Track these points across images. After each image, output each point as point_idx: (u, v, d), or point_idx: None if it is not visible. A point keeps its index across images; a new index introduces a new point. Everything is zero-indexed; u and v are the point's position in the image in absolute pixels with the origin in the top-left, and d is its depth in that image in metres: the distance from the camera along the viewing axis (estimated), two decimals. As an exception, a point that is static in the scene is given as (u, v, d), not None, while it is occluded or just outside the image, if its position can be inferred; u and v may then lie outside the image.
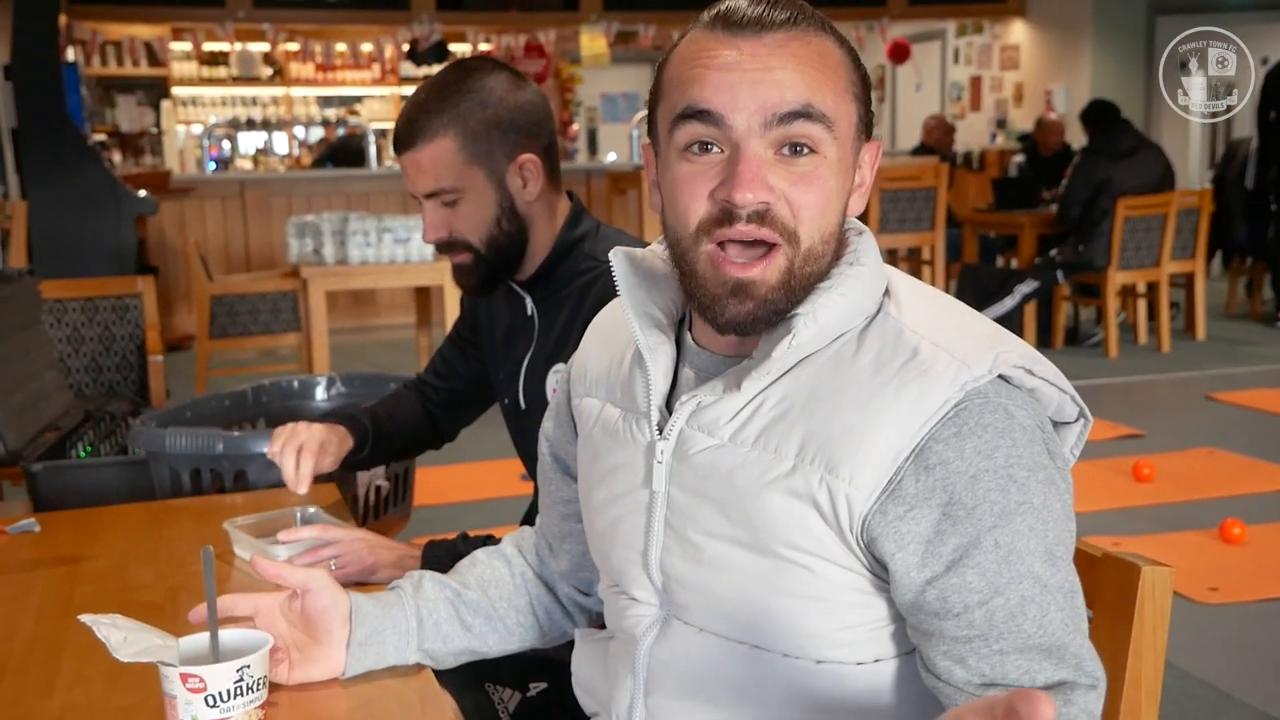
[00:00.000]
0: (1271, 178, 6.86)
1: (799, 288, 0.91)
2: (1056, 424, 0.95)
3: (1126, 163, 6.03)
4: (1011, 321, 6.10)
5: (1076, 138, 7.48)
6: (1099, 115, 6.29)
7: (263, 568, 1.09)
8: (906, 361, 0.89)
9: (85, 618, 0.96)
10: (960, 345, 0.89)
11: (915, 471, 0.87)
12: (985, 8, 9.45)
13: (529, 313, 1.63)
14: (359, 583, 1.37)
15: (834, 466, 0.88)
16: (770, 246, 0.90)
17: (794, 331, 0.90)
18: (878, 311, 0.94)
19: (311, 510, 1.52)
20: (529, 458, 1.73)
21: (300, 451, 1.56)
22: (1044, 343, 6.25)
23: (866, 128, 0.95)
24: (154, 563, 1.41)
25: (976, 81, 10.06)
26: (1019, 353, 0.90)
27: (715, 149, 0.90)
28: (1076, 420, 0.95)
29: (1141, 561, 0.98)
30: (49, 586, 1.33)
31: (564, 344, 1.57)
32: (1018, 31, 9.52)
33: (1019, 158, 8.02)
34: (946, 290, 7.57)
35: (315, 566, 1.35)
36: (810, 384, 0.92)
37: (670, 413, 0.98)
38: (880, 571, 0.91)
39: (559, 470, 1.20)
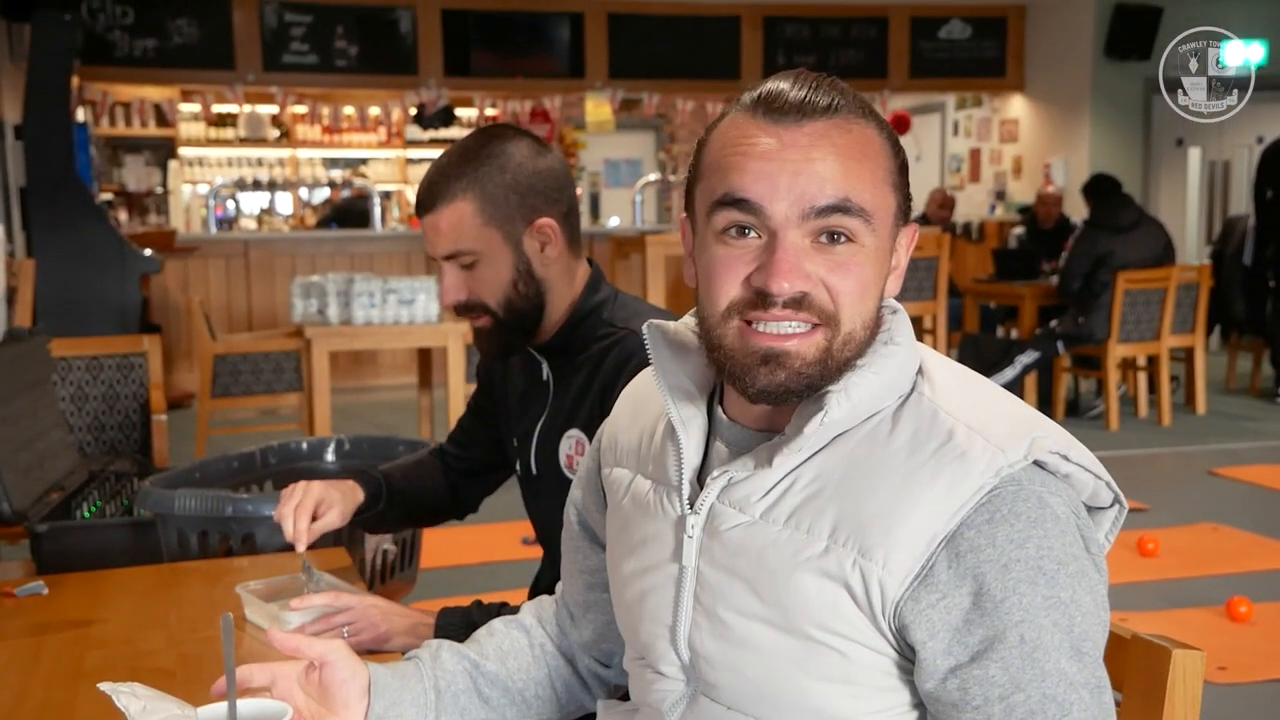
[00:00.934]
0: (1269, 255, 6.92)
1: (835, 367, 0.92)
2: (1091, 509, 0.94)
3: (1127, 236, 6.07)
4: (1012, 391, 6.08)
5: (1075, 211, 7.54)
6: (1100, 189, 6.35)
7: (279, 641, 1.07)
8: (942, 445, 0.89)
9: (104, 686, 0.95)
10: (995, 429, 0.89)
11: (948, 558, 0.87)
12: (985, 82, 9.58)
13: (544, 378, 1.63)
14: (371, 650, 1.36)
15: (867, 550, 0.88)
16: (812, 325, 0.91)
17: (826, 409, 0.90)
18: (911, 390, 0.94)
19: (322, 575, 1.51)
20: (539, 523, 1.72)
21: (298, 509, 1.54)
22: (1044, 414, 6.23)
23: (904, 213, 0.95)
24: (164, 627, 1.40)
25: (976, 154, 10.18)
26: (1054, 438, 0.90)
27: (753, 234, 0.91)
28: (1111, 506, 0.95)
29: (1171, 645, 0.97)
30: (58, 651, 1.32)
31: (577, 409, 1.57)
32: (1017, 106, 9.65)
33: (1019, 229, 8.09)
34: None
35: (328, 634, 1.34)
36: (844, 464, 0.91)
37: (701, 487, 0.98)
38: (909, 655, 0.90)
39: (586, 539, 1.19)
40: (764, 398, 0.93)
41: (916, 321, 6.89)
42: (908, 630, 0.88)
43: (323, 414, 4.95)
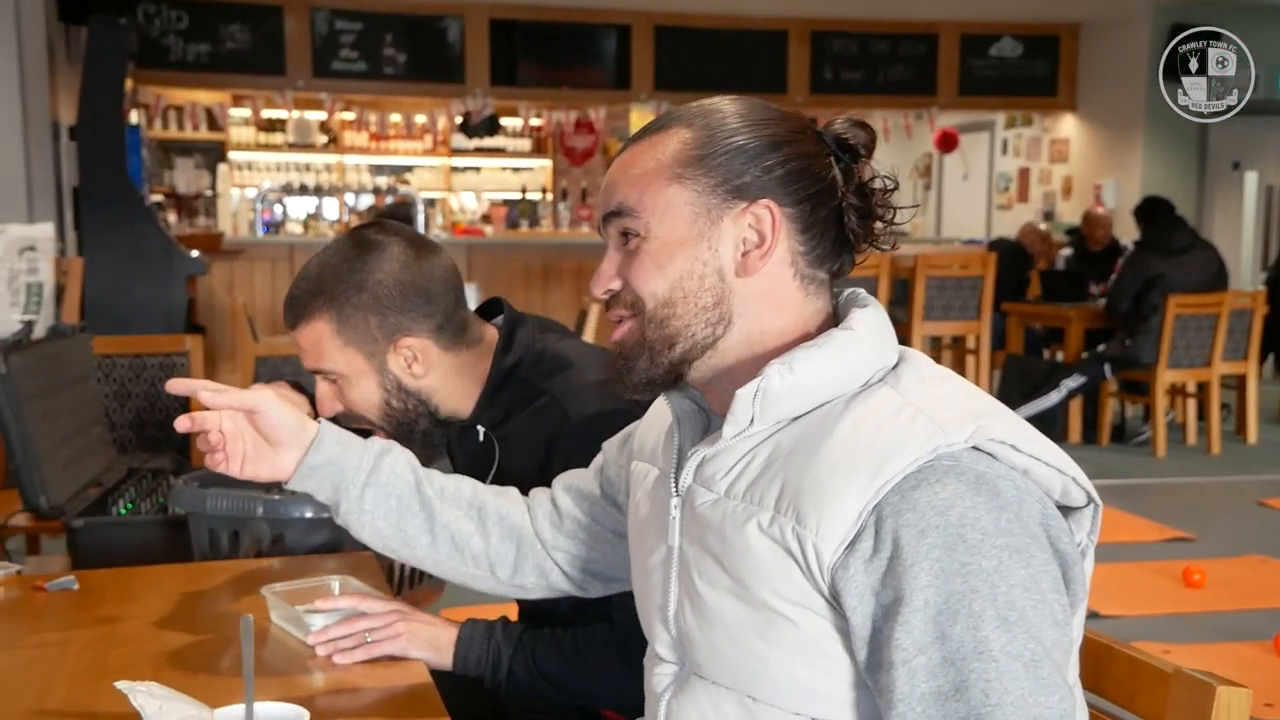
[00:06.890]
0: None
1: (659, 346, 1.01)
2: (1067, 510, 0.93)
3: (1179, 260, 5.97)
4: (1056, 417, 6.00)
5: (1125, 233, 7.43)
6: (1153, 211, 6.25)
7: (208, 399, 1.18)
8: (886, 421, 0.91)
9: (121, 685, 0.95)
10: (942, 413, 0.91)
11: (874, 524, 0.88)
12: (1035, 100, 9.48)
13: (480, 437, 1.55)
14: (392, 657, 1.34)
15: (803, 516, 0.91)
16: (628, 315, 1.03)
17: (765, 375, 0.95)
18: (880, 382, 0.96)
19: (349, 580, 1.50)
20: None
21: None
22: (1089, 440, 6.14)
23: (728, 193, 0.99)
24: (190, 627, 1.39)
25: (1025, 173, 10.08)
26: (1005, 429, 0.90)
27: None
28: (1087, 505, 0.93)
29: (1216, 681, 0.94)
30: (84, 648, 1.32)
31: (523, 484, 1.42)
32: (1068, 126, 9.55)
33: (1067, 251, 7.98)
34: (990, 381, 7.26)
35: (351, 638, 1.34)
36: (796, 439, 0.95)
37: None
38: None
39: (596, 482, 1.29)
40: (619, 387, 1.04)
41: (959, 341, 6.81)
42: (840, 596, 0.90)
43: (361, 418, 4.96)
